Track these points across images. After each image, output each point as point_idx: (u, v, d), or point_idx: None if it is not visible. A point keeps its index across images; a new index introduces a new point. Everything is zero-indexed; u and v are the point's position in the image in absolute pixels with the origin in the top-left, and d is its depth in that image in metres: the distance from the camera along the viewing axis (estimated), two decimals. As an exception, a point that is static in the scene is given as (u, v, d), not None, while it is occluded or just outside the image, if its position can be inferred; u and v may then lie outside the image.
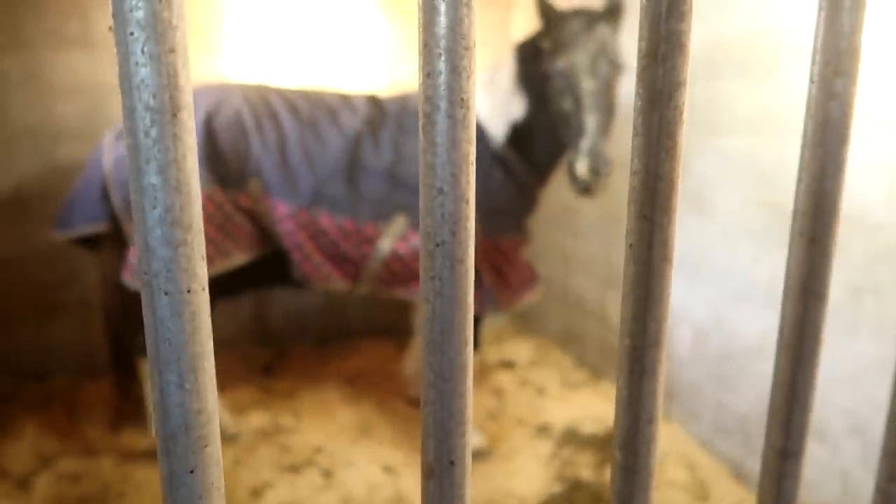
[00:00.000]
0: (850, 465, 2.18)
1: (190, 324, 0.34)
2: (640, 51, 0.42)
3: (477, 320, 2.63)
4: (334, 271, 2.44)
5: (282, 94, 2.44)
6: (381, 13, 3.52)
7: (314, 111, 2.41)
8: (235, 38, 3.28)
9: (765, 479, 0.54)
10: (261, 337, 3.62)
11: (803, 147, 0.47)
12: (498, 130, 2.45)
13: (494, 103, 2.46)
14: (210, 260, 2.29)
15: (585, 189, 2.23)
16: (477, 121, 2.45)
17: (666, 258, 0.43)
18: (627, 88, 2.50)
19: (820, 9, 0.46)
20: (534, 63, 2.39)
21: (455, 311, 0.39)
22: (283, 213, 2.33)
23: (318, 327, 3.70)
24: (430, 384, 0.40)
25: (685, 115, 0.42)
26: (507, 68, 2.45)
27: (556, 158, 2.56)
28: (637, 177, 0.43)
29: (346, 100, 2.51)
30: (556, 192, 3.19)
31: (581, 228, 3.47)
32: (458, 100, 0.36)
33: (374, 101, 2.55)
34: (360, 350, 3.59)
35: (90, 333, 3.22)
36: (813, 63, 0.47)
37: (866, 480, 2.12)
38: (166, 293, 0.33)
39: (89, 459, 2.58)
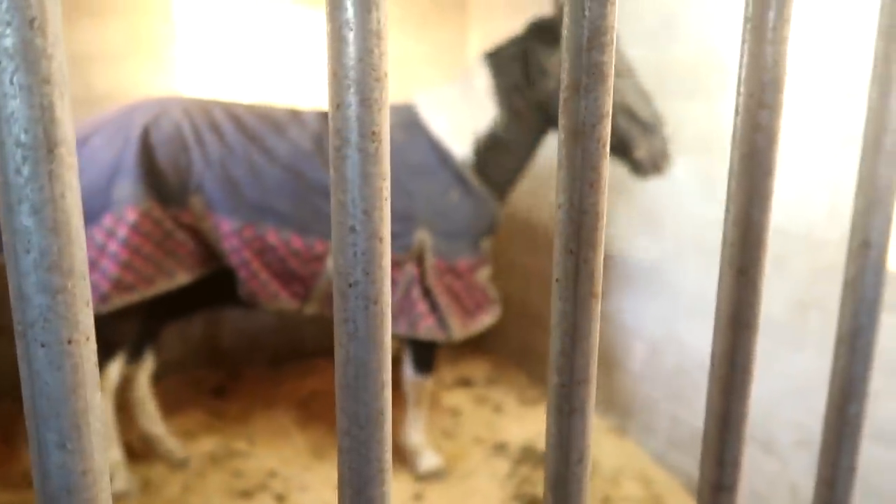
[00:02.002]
0: (798, 477, 2.22)
1: (71, 377, 0.31)
2: (562, 82, 0.41)
3: (432, 344, 2.59)
4: (282, 290, 2.37)
5: (226, 108, 2.37)
6: (336, 29, 3.50)
7: (260, 125, 2.34)
8: (188, 53, 3.22)
9: (701, 512, 0.54)
10: (211, 358, 3.52)
11: (730, 178, 0.47)
12: (462, 146, 2.41)
13: (461, 117, 2.42)
14: (151, 280, 2.21)
15: (660, 170, 2.42)
16: (435, 139, 2.41)
17: (593, 293, 0.42)
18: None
19: (743, 41, 0.46)
20: (510, 72, 2.39)
21: (371, 354, 0.37)
22: (227, 229, 2.26)
23: (272, 347, 3.62)
24: (346, 431, 0.38)
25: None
26: (480, 80, 2.42)
27: (518, 173, 2.56)
28: (562, 210, 0.41)
29: (295, 115, 2.45)
30: (513, 207, 3.20)
31: (538, 244, 3.48)
32: (368, 133, 0.35)
33: (326, 116, 2.50)
34: (314, 371, 3.52)
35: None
36: (738, 94, 0.47)
37: (814, 492, 2.16)
38: (43, 345, 0.30)
39: (29, 490, 2.46)
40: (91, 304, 0.31)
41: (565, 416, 0.43)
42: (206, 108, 2.33)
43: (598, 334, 0.43)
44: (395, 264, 2.36)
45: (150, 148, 2.20)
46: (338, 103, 0.35)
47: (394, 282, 2.40)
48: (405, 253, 2.37)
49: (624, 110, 2.33)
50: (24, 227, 0.29)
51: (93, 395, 0.32)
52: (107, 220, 2.14)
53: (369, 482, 0.38)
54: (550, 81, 2.35)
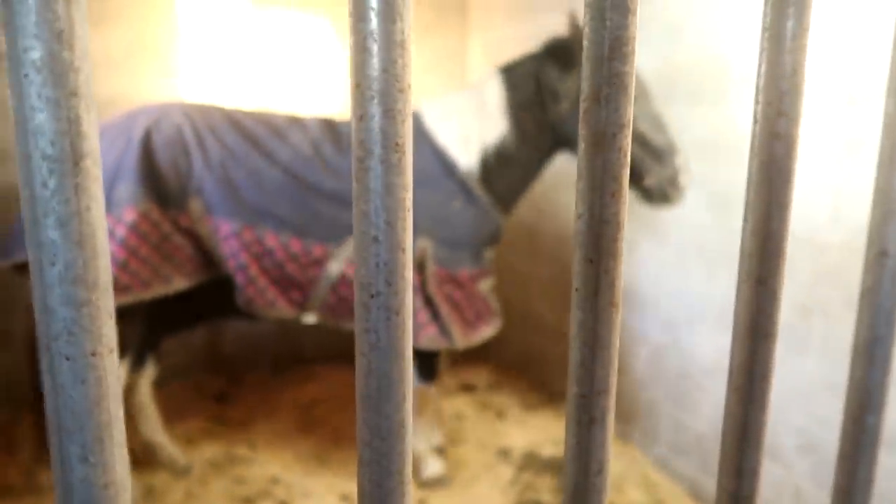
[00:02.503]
0: (802, 481, 2.21)
1: (95, 390, 0.30)
2: (582, 92, 0.40)
3: (434, 354, 2.58)
4: (279, 297, 2.35)
5: (227, 112, 2.37)
6: (339, 37, 3.50)
7: (260, 129, 2.35)
8: (192, 59, 3.22)
9: (718, 522, 0.53)
10: (213, 364, 3.51)
11: (748, 188, 0.47)
12: (468, 155, 2.41)
13: (469, 127, 2.41)
14: (147, 283, 2.20)
15: (669, 199, 2.40)
16: (439, 148, 2.41)
17: (613, 303, 0.42)
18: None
19: (762, 49, 0.46)
20: (526, 88, 2.38)
21: (392, 365, 0.37)
22: (226, 231, 2.25)
23: (273, 354, 3.61)
24: (366, 443, 0.37)
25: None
26: (492, 93, 2.41)
27: (523, 189, 2.55)
28: (582, 220, 0.41)
29: (295, 120, 2.45)
30: (515, 214, 3.20)
31: (538, 250, 3.48)
32: (392, 144, 0.34)
33: (327, 124, 2.50)
34: (316, 377, 3.52)
35: (33, 365, 3.07)
36: (756, 103, 0.46)
37: (818, 496, 2.15)
38: (67, 358, 0.30)
39: (29, 497, 2.45)
40: (114, 317, 0.31)
41: (584, 426, 0.43)
42: (207, 113, 2.33)
43: (618, 344, 0.43)
44: None
45: (151, 150, 2.20)
46: (361, 114, 0.34)
47: None
48: None
49: (635, 137, 2.32)
50: (49, 241, 0.29)
51: (116, 407, 0.31)
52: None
53: (390, 494, 0.38)
54: (562, 105, 2.35)
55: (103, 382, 0.31)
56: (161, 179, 2.20)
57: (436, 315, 2.39)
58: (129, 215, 2.14)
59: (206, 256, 2.31)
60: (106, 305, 0.30)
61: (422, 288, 2.39)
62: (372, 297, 0.36)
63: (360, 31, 0.34)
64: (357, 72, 0.34)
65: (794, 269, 2.16)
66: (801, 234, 2.13)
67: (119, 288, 2.15)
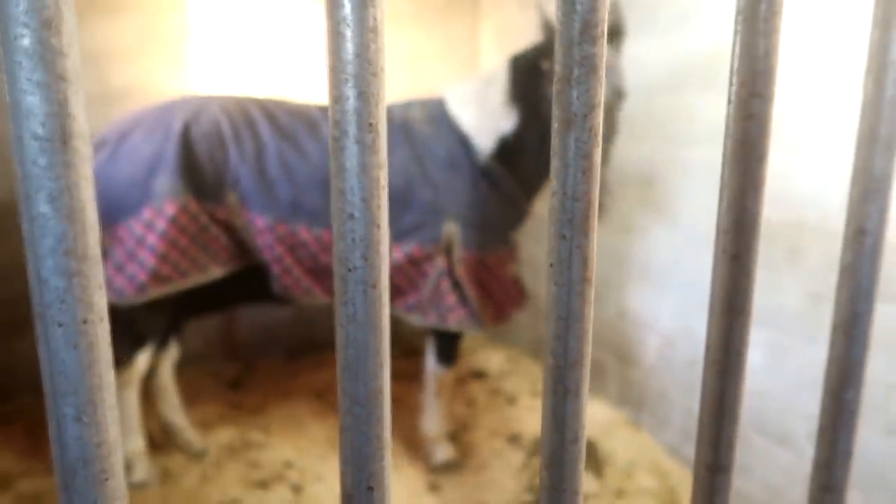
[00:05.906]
0: (813, 469, 2.21)
1: (87, 356, 0.33)
2: (555, 74, 0.42)
3: (456, 336, 2.61)
4: (315, 285, 2.41)
5: (261, 105, 2.41)
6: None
7: (294, 123, 2.38)
8: (202, 49, 3.25)
9: (697, 494, 0.55)
10: (228, 351, 3.57)
11: (723, 166, 0.48)
12: (486, 143, 2.42)
13: (484, 116, 2.43)
14: (185, 273, 2.26)
15: None
16: (463, 133, 2.43)
17: (586, 278, 0.44)
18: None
19: (735, 32, 0.47)
20: (530, 78, 2.38)
21: (369, 336, 0.39)
22: (261, 225, 2.31)
23: (287, 340, 3.66)
24: (346, 410, 0.39)
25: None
26: (499, 81, 2.43)
27: (546, 173, 2.56)
28: (556, 197, 0.43)
29: (327, 112, 2.48)
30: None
31: (547, 236, 3.48)
32: (366, 125, 0.36)
33: None
34: (329, 363, 3.56)
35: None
36: (730, 84, 0.47)
37: (829, 484, 2.15)
38: (60, 325, 0.32)
39: (50, 479, 2.52)
40: (104, 288, 0.34)
41: (560, 397, 0.45)
42: (243, 106, 2.37)
43: (591, 317, 0.45)
44: (427, 257, 2.39)
45: (190, 143, 2.24)
46: (336, 97, 0.36)
47: (425, 274, 2.42)
48: (434, 245, 2.39)
49: None
50: (41, 214, 0.31)
51: (107, 372, 0.34)
52: (146, 213, 2.19)
53: (370, 458, 0.40)
54: None
55: (95, 348, 0.33)
56: (199, 172, 2.25)
57: (464, 298, 2.43)
58: (170, 208, 2.19)
59: (239, 245, 2.37)
60: (96, 276, 0.33)
61: (449, 272, 2.42)
62: (349, 270, 0.38)
63: (334, 16, 0.35)
64: (332, 56, 0.36)
65: (805, 256, 2.15)
66: (811, 222, 2.12)
67: (161, 279, 2.21)
